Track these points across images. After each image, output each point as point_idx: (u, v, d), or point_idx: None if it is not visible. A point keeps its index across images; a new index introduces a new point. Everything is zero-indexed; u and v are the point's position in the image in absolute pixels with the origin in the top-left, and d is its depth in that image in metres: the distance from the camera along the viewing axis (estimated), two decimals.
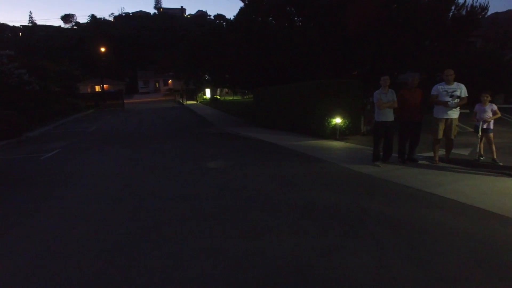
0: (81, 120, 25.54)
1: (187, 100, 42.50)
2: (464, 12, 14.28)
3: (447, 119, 6.18)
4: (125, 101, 43.78)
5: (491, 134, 6.37)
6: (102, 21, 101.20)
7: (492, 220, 3.72)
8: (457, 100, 6.03)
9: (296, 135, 11.80)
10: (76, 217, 4.70)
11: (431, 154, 6.77)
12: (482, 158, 6.56)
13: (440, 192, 4.71)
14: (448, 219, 3.80)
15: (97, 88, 54.18)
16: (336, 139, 10.22)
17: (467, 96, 6.08)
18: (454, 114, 6.16)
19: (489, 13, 15.82)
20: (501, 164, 6.21)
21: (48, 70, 30.32)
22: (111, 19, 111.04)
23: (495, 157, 6.34)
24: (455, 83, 6.11)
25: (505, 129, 9.87)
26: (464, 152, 7.42)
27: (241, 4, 21.33)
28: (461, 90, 6.05)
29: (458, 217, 3.85)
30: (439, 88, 6.18)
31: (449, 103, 6.03)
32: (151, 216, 4.53)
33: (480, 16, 14.92)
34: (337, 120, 10.34)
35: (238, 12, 24.31)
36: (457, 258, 2.99)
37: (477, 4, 14.56)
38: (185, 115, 25.91)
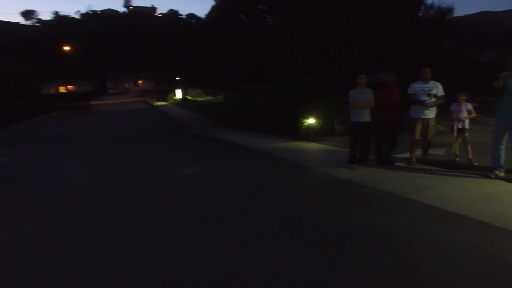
0: (42, 123, 23.93)
1: (157, 101, 41.22)
2: (432, 13, 14.62)
3: (423, 119, 5.95)
4: (93, 102, 41.94)
5: (467, 134, 6.22)
6: (68, 19, 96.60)
7: (484, 231, 3.40)
8: (434, 99, 5.81)
9: (269, 137, 11.38)
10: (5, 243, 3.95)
11: (407, 155, 6.53)
12: (458, 159, 6.41)
13: (424, 198, 4.39)
14: (439, 231, 3.44)
15: (63, 89, 51.45)
16: (310, 140, 9.88)
17: (444, 95, 5.88)
18: (431, 113, 5.93)
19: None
20: (476, 164, 6.06)
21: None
22: (78, 16, 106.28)
23: (470, 157, 6.20)
24: (432, 81, 5.89)
25: (477, 128, 9.92)
26: (439, 152, 7.26)
27: (213, 3, 20.84)
28: (438, 89, 5.84)
29: (448, 228, 3.51)
30: (416, 87, 5.93)
31: (426, 102, 5.80)
32: (104, 238, 3.86)
33: (447, 17, 15.35)
34: (311, 121, 10.00)
35: (210, 11, 23.71)
36: (458, 279, 2.61)
37: (444, 5, 15.05)
38: (155, 117, 24.92)
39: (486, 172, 5.39)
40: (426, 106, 5.82)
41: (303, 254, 3.15)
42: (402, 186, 4.99)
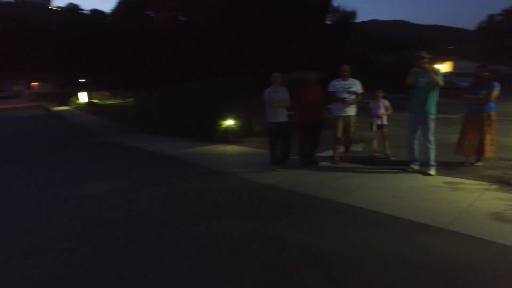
0: None
1: (58, 106, 36.24)
2: (339, 15, 15.57)
3: (345, 117, 5.87)
4: None
5: (385, 130, 6.36)
6: None
7: (417, 232, 3.26)
8: (354, 97, 5.75)
9: (185, 141, 10.45)
10: None
11: (329, 153, 6.43)
12: (377, 155, 6.53)
13: (355, 201, 4.17)
14: (375, 239, 3.17)
15: None
16: (229, 143, 9.29)
17: (362, 92, 5.87)
18: (352, 111, 5.88)
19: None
20: (393, 159, 6.24)
21: None
22: None
23: (388, 152, 6.36)
24: (350, 79, 5.83)
25: (392, 123, 10.48)
26: (358, 148, 7.36)
27: None
28: (357, 86, 5.81)
29: (385, 235, 3.27)
30: (336, 85, 5.81)
31: (346, 99, 5.70)
32: None
33: (351, 20, 16.54)
34: (229, 122, 9.41)
35: (116, 7, 21.53)
36: None
37: (348, 10, 16.20)
38: (54, 124, 21.51)
39: (403, 166, 5.55)
40: (346, 103, 5.73)
41: None
42: (331, 189, 4.72)
